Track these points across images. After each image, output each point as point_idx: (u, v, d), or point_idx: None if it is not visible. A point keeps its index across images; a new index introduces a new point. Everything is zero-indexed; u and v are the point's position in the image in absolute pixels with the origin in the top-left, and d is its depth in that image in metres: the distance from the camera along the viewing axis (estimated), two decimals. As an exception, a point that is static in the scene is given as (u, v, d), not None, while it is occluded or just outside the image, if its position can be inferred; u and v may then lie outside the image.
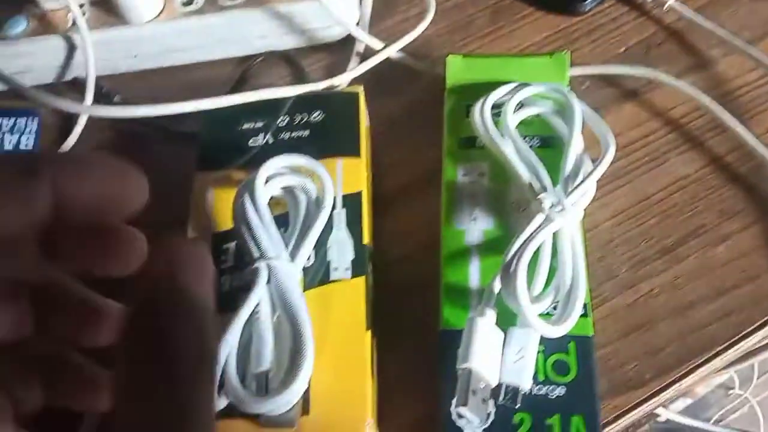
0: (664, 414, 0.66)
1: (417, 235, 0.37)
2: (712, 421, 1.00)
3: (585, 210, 0.33)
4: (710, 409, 1.04)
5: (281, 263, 0.30)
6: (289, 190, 0.33)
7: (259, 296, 0.29)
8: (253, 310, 0.29)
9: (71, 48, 0.44)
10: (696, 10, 0.43)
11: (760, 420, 1.01)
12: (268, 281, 0.29)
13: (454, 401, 0.28)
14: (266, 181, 0.32)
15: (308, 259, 0.32)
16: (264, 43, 0.45)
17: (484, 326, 0.29)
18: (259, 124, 0.37)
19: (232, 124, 0.37)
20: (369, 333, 0.31)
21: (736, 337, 0.33)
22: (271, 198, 0.33)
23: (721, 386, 1.04)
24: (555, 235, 0.32)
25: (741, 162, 0.38)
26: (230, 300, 0.30)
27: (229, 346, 0.28)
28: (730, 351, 0.33)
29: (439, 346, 0.31)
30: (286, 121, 0.37)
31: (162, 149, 0.43)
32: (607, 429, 0.32)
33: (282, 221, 0.32)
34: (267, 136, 0.36)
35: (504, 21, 0.45)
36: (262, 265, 0.29)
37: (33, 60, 0.44)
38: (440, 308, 0.32)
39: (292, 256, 0.31)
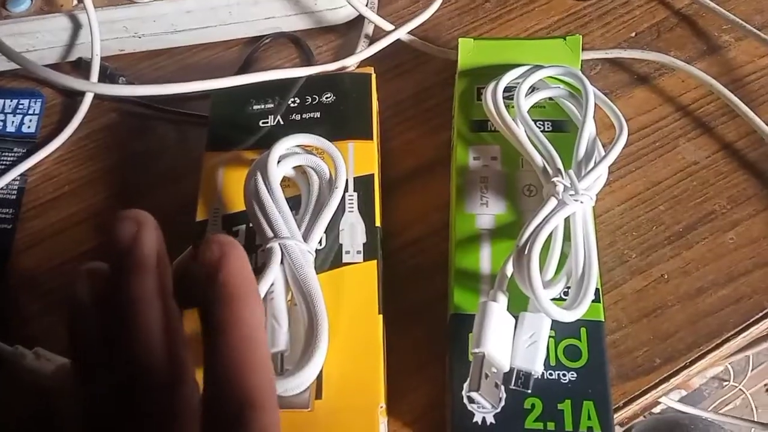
0: (662, 401, 0.67)
1: (427, 219, 0.37)
2: (708, 410, 1.01)
3: (597, 193, 0.33)
4: (705, 400, 1.05)
5: (295, 243, 0.29)
6: (301, 170, 0.33)
7: (274, 276, 0.29)
8: (268, 291, 0.29)
9: (76, 27, 0.44)
10: (707, -6, 0.43)
11: (753, 411, 1.02)
12: (282, 262, 0.29)
13: (466, 385, 0.28)
14: (279, 161, 0.32)
15: (320, 242, 0.32)
16: (271, 24, 0.44)
17: (497, 311, 0.29)
18: (270, 105, 0.36)
19: (243, 105, 0.37)
20: (381, 317, 0.30)
21: (746, 323, 0.33)
22: (283, 179, 0.32)
23: (715, 378, 1.05)
24: (567, 220, 0.31)
25: (751, 148, 0.38)
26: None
27: None
28: (739, 337, 0.33)
29: (450, 330, 0.31)
30: (296, 103, 0.36)
31: (168, 131, 0.42)
32: (617, 414, 0.32)
33: (294, 204, 0.32)
34: (277, 118, 0.36)
35: (514, 4, 0.45)
36: (275, 245, 0.29)
37: (36, 39, 0.44)
38: (451, 292, 0.32)
39: (305, 236, 0.30)
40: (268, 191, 0.30)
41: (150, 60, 0.45)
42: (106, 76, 0.44)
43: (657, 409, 0.87)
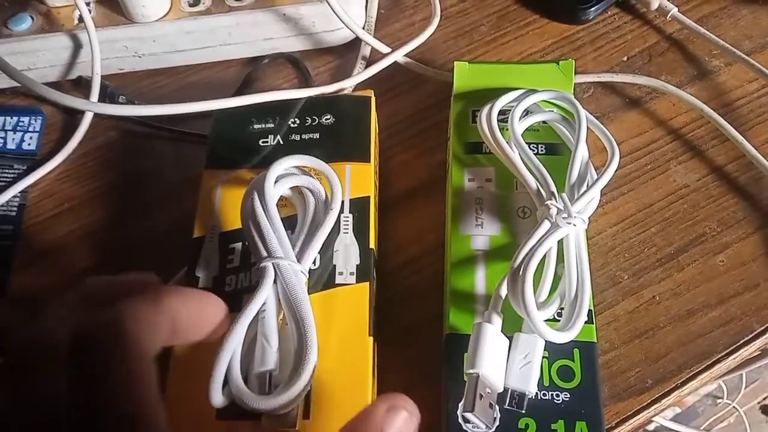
0: (656, 420, 0.67)
1: (423, 240, 0.37)
2: (701, 429, 1.02)
3: (590, 216, 0.33)
4: (698, 417, 1.05)
5: (288, 263, 0.30)
6: (298, 191, 0.34)
7: (266, 295, 0.29)
8: (259, 309, 0.29)
9: (76, 46, 0.44)
10: (698, 20, 0.44)
11: (747, 429, 1.02)
12: (275, 281, 0.30)
13: (460, 405, 0.29)
14: (276, 181, 0.32)
15: (314, 262, 0.32)
16: (270, 45, 0.45)
17: (492, 332, 0.29)
18: (270, 125, 0.37)
19: (244, 124, 0.37)
20: (371, 339, 0.31)
21: (736, 345, 0.34)
22: (280, 199, 0.33)
23: (709, 395, 1.05)
24: (560, 242, 0.32)
25: (741, 172, 0.39)
26: (235, 300, 0.30)
27: (234, 345, 0.28)
28: (729, 358, 0.34)
29: (445, 350, 0.31)
30: (297, 123, 0.37)
31: (167, 149, 0.43)
32: (609, 434, 0.32)
33: (289, 223, 0.33)
34: (277, 137, 0.36)
35: (509, 27, 0.46)
36: (269, 265, 0.29)
37: (37, 57, 0.44)
38: (446, 312, 0.33)
39: (299, 257, 0.31)
40: (264, 211, 0.31)
41: (150, 79, 0.46)
42: (106, 95, 0.44)
43: (651, 427, 0.88)
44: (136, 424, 0.19)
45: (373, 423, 0.21)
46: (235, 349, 0.28)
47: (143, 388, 0.19)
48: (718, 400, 1.04)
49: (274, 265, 0.30)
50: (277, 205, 0.32)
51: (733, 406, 1.02)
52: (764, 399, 1.11)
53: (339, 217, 0.33)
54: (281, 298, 0.30)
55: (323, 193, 0.33)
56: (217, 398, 0.27)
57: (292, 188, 0.33)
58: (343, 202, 0.34)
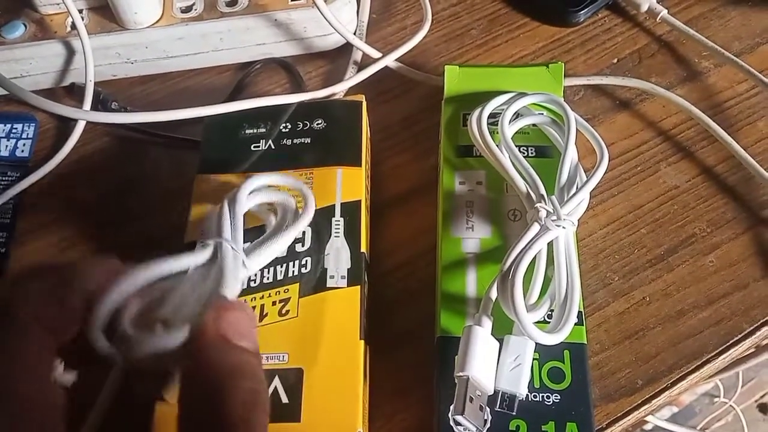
0: (651, 421, 0.67)
1: (414, 243, 0.38)
2: (698, 428, 1.02)
3: (579, 218, 0.33)
4: (695, 417, 1.06)
5: (233, 246, 0.28)
6: (271, 207, 0.33)
7: (195, 263, 0.27)
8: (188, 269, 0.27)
9: (69, 53, 0.44)
10: (687, 21, 0.44)
11: (744, 428, 1.03)
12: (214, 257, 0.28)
13: (452, 408, 0.29)
14: (250, 193, 0.32)
15: (305, 265, 0.32)
16: (262, 51, 0.45)
17: (482, 335, 0.29)
18: (262, 130, 0.37)
19: (236, 129, 0.37)
20: (362, 342, 0.31)
21: (726, 345, 0.34)
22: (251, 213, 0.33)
23: (706, 394, 1.05)
24: (550, 244, 0.32)
25: (730, 172, 0.39)
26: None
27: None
28: (719, 358, 0.34)
29: (437, 353, 0.32)
30: (288, 128, 0.37)
31: (160, 155, 0.43)
32: (601, 435, 0.32)
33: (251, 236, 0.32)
34: (269, 142, 0.37)
35: (500, 31, 0.46)
36: (213, 242, 0.28)
37: (30, 65, 0.44)
38: (438, 315, 0.33)
39: (247, 252, 0.29)
40: (231, 213, 0.30)
41: (143, 85, 0.46)
42: (99, 102, 0.44)
43: (648, 426, 0.88)
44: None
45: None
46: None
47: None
48: (715, 399, 1.04)
49: (216, 244, 0.28)
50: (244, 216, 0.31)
51: (730, 405, 1.03)
52: (761, 397, 1.11)
53: (330, 221, 0.33)
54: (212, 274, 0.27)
55: (293, 207, 0.33)
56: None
57: (261, 204, 0.33)
58: (334, 205, 0.34)
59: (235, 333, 0.22)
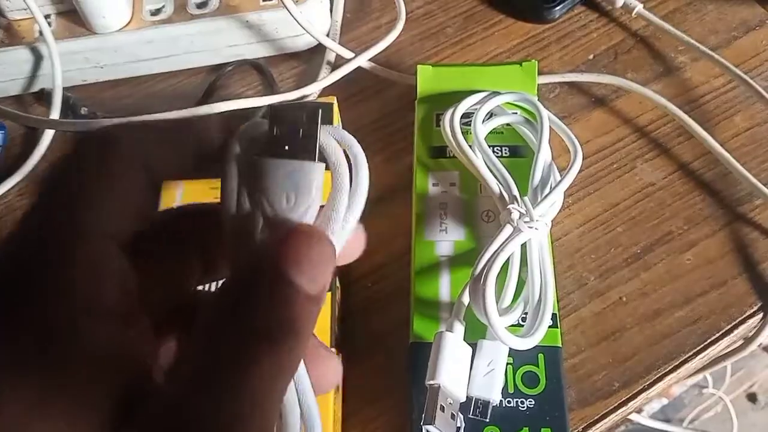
0: (637, 418, 0.67)
1: (389, 246, 0.37)
2: (686, 421, 1.02)
3: (553, 219, 0.33)
4: (684, 408, 1.06)
5: None
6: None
7: None
8: None
9: (37, 59, 0.44)
10: (663, 16, 0.44)
11: (733, 418, 1.03)
12: None
13: (422, 417, 0.28)
14: None
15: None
16: (234, 52, 0.45)
17: (453, 341, 0.29)
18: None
19: None
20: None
21: (703, 344, 0.34)
22: None
23: (695, 386, 1.05)
24: (523, 246, 0.32)
25: (707, 168, 0.39)
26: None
27: None
28: (697, 358, 0.33)
29: (410, 359, 0.31)
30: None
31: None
32: (577, 439, 0.32)
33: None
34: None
35: (475, 29, 0.45)
36: None
37: (-2, 71, 0.44)
38: (411, 320, 0.32)
39: None
40: None
41: (113, 89, 0.45)
42: (68, 107, 0.44)
43: (641, 419, 0.88)
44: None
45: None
46: None
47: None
48: (704, 390, 1.04)
49: None
50: None
51: (719, 396, 1.03)
52: (750, 387, 1.11)
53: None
54: None
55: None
56: None
57: None
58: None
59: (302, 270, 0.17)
